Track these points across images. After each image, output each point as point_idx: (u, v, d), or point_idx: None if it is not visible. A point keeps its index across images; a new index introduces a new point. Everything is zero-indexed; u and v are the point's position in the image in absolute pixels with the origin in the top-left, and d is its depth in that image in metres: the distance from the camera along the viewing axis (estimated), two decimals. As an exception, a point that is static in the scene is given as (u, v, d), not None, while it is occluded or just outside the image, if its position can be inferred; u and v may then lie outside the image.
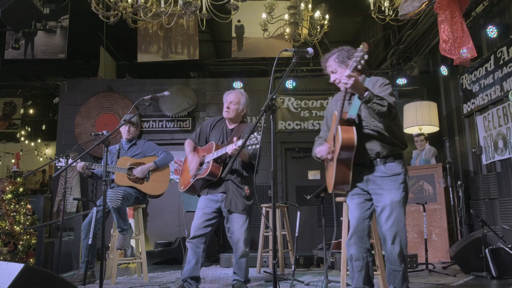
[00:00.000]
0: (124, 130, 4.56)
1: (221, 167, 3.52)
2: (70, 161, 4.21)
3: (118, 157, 4.53)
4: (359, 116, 2.73)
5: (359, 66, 2.47)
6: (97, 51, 7.90)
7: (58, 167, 4.47)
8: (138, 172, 4.41)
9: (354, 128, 2.63)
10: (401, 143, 2.79)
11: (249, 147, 3.09)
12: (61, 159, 4.42)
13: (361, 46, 2.45)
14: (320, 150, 2.89)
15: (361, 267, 2.74)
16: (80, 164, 4.32)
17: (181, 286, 3.49)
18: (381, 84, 2.74)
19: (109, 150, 4.65)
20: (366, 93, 2.50)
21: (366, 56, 2.45)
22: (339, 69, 2.80)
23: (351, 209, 2.81)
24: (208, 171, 3.50)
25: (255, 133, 2.99)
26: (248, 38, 7.38)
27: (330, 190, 2.88)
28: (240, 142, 3.23)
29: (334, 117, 2.81)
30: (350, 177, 2.70)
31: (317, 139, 3.13)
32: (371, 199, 2.79)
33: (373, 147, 2.72)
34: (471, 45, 4.48)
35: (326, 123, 3.09)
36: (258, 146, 3.01)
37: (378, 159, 2.72)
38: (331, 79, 2.88)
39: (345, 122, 2.66)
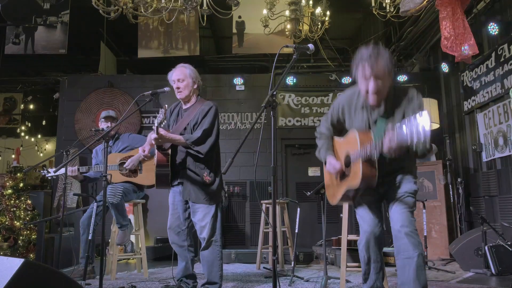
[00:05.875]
0: (105, 126, 4.49)
1: (167, 155, 3.18)
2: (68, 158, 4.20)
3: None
4: None
5: None
6: (98, 46, 7.89)
7: (49, 177, 4.48)
8: (128, 164, 4.40)
9: (376, 164, 2.40)
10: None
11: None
12: (50, 170, 4.42)
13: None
14: (331, 165, 2.66)
15: (380, 269, 2.67)
16: (70, 169, 4.30)
17: (178, 286, 3.36)
18: (417, 107, 2.40)
19: (95, 152, 4.68)
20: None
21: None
22: (385, 78, 2.40)
23: (364, 210, 2.65)
24: (155, 162, 3.20)
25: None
26: (249, 34, 7.36)
27: (333, 203, 2.79)
28: None
29: (352, 136, 2.53)
30: (358, 196, 2.60)
31: (320, 135, 2.87)
32: (381, 199, 2.68)
33: (392, 165, 2.53)
34: (473, 42, 4.47)
35: (330, 121, 2.82)
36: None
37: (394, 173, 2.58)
38: (364, 86, 2.45)
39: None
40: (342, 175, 2.64)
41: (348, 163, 2.57)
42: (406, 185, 2.56)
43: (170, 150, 3.24)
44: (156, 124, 2.95)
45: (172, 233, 3.35)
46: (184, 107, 3.40)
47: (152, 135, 3.04)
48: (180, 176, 3.27)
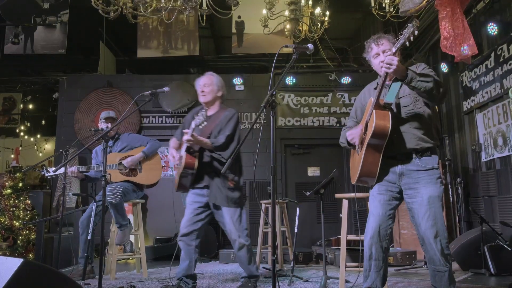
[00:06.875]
0: (104, 126, 4.48)
1: (196, 158, 3.34)
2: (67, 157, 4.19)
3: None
4: (398, 104, 2.60)
5: (407, 43, 2.36)
6: (97, 46, 7.88)
7: (48, 177, 4.48)
8: (128, 162, 4.40)
9: (389, 113, 2.49)
10: (437, 135, 2.66)
11: None
12: (49, 169, 4.43)
13: (412, 22, 2.31)
14: (352, 133, 2.75)
15: (380, 267, 2.62)
16: (70, 169, 4.30)
17: (178, 285, 3.40)
18: (423, 68, 2.63)
19: (95, 152, 4.68)
20: (408, 72, 2.39)
21: (416, 32, 2.31)
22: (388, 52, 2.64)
23: (375, 206, 2.65)
24: (183, 164, 3.31)
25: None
26: (248, 34, 7.36)
27: (353, 181, 2.74)
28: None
29: (368, 104, 2.67)
30: (378, 168, 2.56)
31: (344, 129, 2.98)
32: (398, 198, 2.66)
33: (411, 138, 2.57)
34: (472, 42, 4.47)
35: (355, 114, 2.96)
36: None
37: (413, 153, 2.57)
38: (377, 61, 2.68)
39: (381, 107, 2.51)
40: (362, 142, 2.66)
41: (366, 126, 2.61)
42: (428, 188, 2.53)
43: (198, 153, 3.37)
44: (193, 126, 3.15)
45: (184, 231, 3.44)
46: (209, 113, 3.53)
47: (184, 137, 3.19)
48: (205, 179, 3.42)
